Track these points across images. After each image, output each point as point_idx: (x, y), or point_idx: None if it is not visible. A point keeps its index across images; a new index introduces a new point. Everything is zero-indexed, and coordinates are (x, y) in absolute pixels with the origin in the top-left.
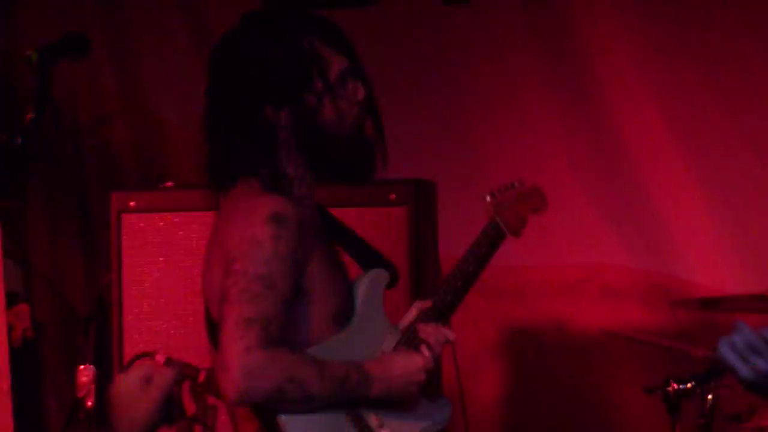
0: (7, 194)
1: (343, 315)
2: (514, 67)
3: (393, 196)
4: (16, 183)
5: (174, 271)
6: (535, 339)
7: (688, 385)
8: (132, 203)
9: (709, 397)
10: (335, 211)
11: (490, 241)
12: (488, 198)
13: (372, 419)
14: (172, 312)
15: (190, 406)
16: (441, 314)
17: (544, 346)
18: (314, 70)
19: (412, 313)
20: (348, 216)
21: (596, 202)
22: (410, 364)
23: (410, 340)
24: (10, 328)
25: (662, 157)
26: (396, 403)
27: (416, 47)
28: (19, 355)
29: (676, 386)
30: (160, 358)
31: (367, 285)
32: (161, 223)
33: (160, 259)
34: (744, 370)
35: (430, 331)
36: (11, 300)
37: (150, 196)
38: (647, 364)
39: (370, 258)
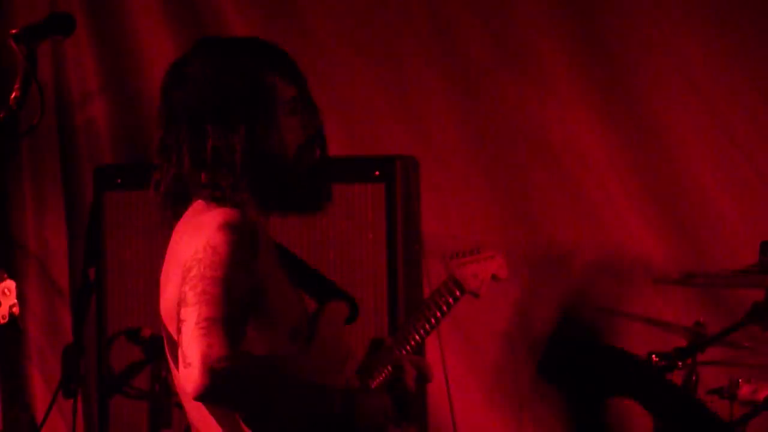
0: None
1: (301, 334)
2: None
3: (377, 172)
4: (2, 160)
5: (158, 248)
6: (518, 314)
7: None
8: (116, 180)
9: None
10: None
11: (449, 291)
12: (447, 258)
13: None
14: (156, 289)
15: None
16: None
17: (528, 322)
18: (261, 95)
19: (375, 348)
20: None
21: (581, 179)
22: (380, 403)
23: (378, 365)
24: None
25: (649, 136)
26: None
27: (399, 21)
28: (5, 332)
29: (658, 360)
30: (146, 333)
31: (327, 315)
32: (145, 200)
33: (144, 236)
34: None
35: (414, 359)
36: None
37: (134, 173)
38: (630, 338)
39: (328, 292)
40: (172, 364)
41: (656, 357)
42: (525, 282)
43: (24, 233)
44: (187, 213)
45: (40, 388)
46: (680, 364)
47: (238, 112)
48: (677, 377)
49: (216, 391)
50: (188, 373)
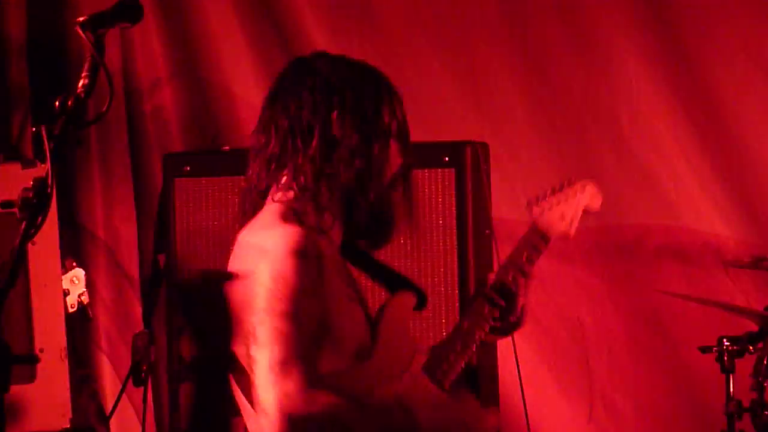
0: (62, 159)
1: (365, 348)
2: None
3: (446, 157)
4: (71, 148)
5: (227, 235)
6: (590, 300)
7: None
8: (186, 167)
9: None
10: None
11: (531, 247)
12: (529, 205)
13: None
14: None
15: None
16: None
17: (599, 306)
18: (370, 125)
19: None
20: None
21: (651, 163)
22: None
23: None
24: (66, 294)
25: (718, 119)
26: None
27: (469, 8)
28: (74, 321)
29: (729, 345)
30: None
31: (391, 310)
32: (215, 187)
33: (214, 223)
34: None
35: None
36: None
37: (203, 160)
38: (701, 323)
39: (397, 283)
40: (244, 403)
41: (727, 341)
42: (595, 269)
43: (93, 222)
44: (260, 215)
45: (110, 377)
46: (751, 348)
47: (346, 134)
48: (748, 362)
49: None
50: (267, 422)
